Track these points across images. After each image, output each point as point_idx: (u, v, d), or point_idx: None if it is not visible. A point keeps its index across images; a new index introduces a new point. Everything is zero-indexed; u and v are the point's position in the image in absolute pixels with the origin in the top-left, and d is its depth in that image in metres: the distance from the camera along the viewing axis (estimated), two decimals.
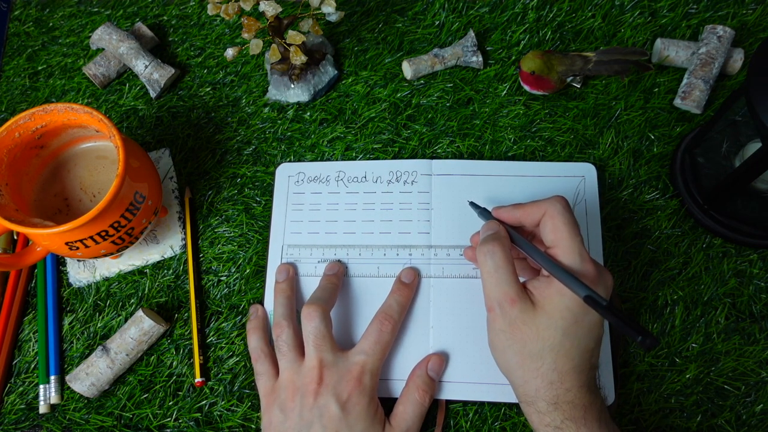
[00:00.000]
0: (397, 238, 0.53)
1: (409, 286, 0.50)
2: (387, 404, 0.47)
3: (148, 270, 0.55)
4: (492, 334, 0.43)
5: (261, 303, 0.53)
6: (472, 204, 0.50)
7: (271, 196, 0.57)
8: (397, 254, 0.53)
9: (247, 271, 0.54)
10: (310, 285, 0.52)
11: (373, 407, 0.45)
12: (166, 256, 0.55)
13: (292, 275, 0.52)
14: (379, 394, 0.47)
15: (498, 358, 0.43)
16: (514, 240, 0.44)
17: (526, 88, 0.58)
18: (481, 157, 0.57)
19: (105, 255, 0.49)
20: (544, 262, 0.41)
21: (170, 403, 0.50)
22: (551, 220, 0.42)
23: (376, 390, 0.46)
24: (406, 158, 0.57)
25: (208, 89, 0.63)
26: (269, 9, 0.52)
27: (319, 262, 0.53)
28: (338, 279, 0.51)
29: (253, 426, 0.49)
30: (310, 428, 0.43)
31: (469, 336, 0.50)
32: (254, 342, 0.49)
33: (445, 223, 0.54)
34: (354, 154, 0.58)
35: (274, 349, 0.48)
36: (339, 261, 0.53)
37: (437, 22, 0.64)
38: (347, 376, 0.45)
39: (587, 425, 0.39)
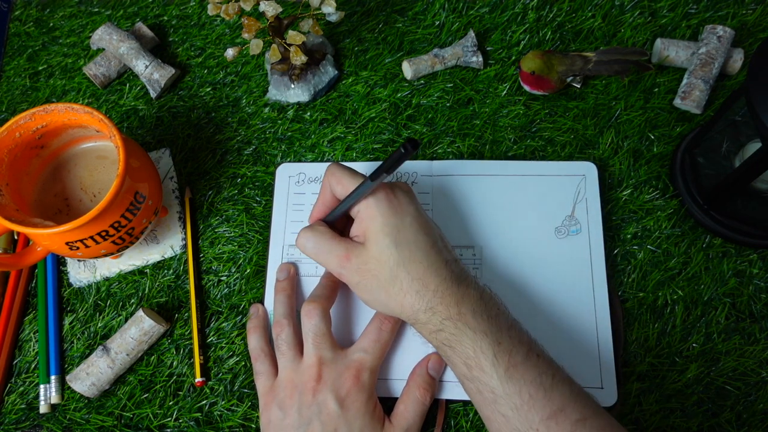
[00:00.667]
0: None
1: None
2: (387, 404, 0.47)
3: (148, 270, 0.55)
4: (356, 291, 0.45)
5: (261, 303, 0.53)
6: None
7: (272, 196, 0.57)
8: None
9: (248, 271, 0.54)
10: (310, 285, 0.52)
11: (371, 404, 0.45)
12: (166, 256, 0.55)
13: (292, 274, 0.53)
14: (379, 393, 0.47)
15: (375, 306, 0.45)
16: (328, 218, 0.48)
17: (526, 88, 0.58)
18: (482, 157, 0.57)
19: (105, 255, 0.49)
20: (343, 203, 0.45)
21: (170, 403, 0.50)
22: (332, 181, 0.47)
23: (375, 388, 0.46)
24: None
25: (209, 89, 0.63)
26: (269, 9, 0.52)
27: None
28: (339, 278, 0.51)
29: (253, 426, 0.49)
30: (309, 425, 0.44)
31: None
32: (254, 341, 0.49)
33: (445, 223, 0.53)
34: (354, 155, 0.58)
35: (274, 348, 0.48)
36: None
37: (437, 23, 0.64)
38: (346, 374, 0.45)
39: (462, 319, 0.41)
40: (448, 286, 0.42)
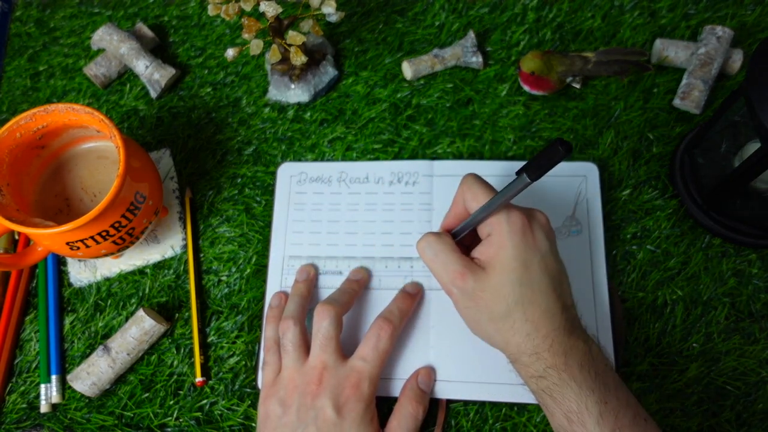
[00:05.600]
0: (399, 239, 0.53)
1: (413, 296, 0.50)
2: (388, 403, 0.47)
3: (148, 270, 0.55)
4: (462, 314, 0.44)
5: (262, 301, 0.53)
6: None
7: (272, 196, 0.57)
8: (399, 267, 0.53)
9: (248, 270, 0.55)
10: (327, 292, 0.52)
11: (368, 415, 0.45)
12: (166, 256, 0.55)
13: (312, 277, 0.52)
14: (379, 393, 0.47)
15: (478, 333, 0.44)
16: (455, 231, 0.46)
17: (526, 88, 0.58)
18: (481, 158, 0.57)
19: (106, 255, 0.49)
20: (473, 217, 0.43)
21: (171, 403, 0.51)
22: (466, 193, 0.44)
23: (374, 398, 0.46)
24: (406, 158, 0.57)
25: (209, 89, 0.63)
26: (269, 9, 0.52)
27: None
28: (359, 286, 0.51)
29: (253, 425, 0.49)
30: (306, 428, 0.44)
31: (470, 335, 0.49)
32: (270, 331, 0.50)
33: None
34: (354, 155, 0.58)
35: (280, 345, 0.48)
36: (364, 268, 0.53)
37: (437, 23, 0.64)
38: (346, 383, 0.45)
39: (568, 371, 0.40)
40: (559, 334, 0.40)
